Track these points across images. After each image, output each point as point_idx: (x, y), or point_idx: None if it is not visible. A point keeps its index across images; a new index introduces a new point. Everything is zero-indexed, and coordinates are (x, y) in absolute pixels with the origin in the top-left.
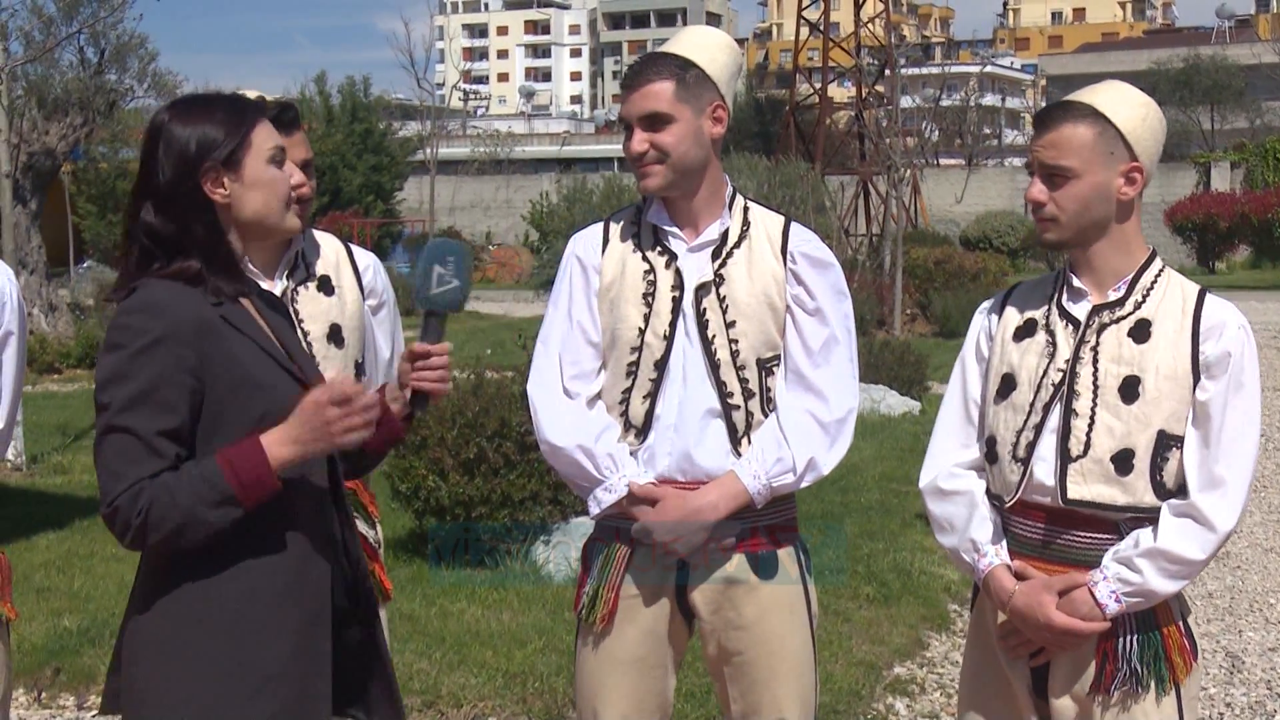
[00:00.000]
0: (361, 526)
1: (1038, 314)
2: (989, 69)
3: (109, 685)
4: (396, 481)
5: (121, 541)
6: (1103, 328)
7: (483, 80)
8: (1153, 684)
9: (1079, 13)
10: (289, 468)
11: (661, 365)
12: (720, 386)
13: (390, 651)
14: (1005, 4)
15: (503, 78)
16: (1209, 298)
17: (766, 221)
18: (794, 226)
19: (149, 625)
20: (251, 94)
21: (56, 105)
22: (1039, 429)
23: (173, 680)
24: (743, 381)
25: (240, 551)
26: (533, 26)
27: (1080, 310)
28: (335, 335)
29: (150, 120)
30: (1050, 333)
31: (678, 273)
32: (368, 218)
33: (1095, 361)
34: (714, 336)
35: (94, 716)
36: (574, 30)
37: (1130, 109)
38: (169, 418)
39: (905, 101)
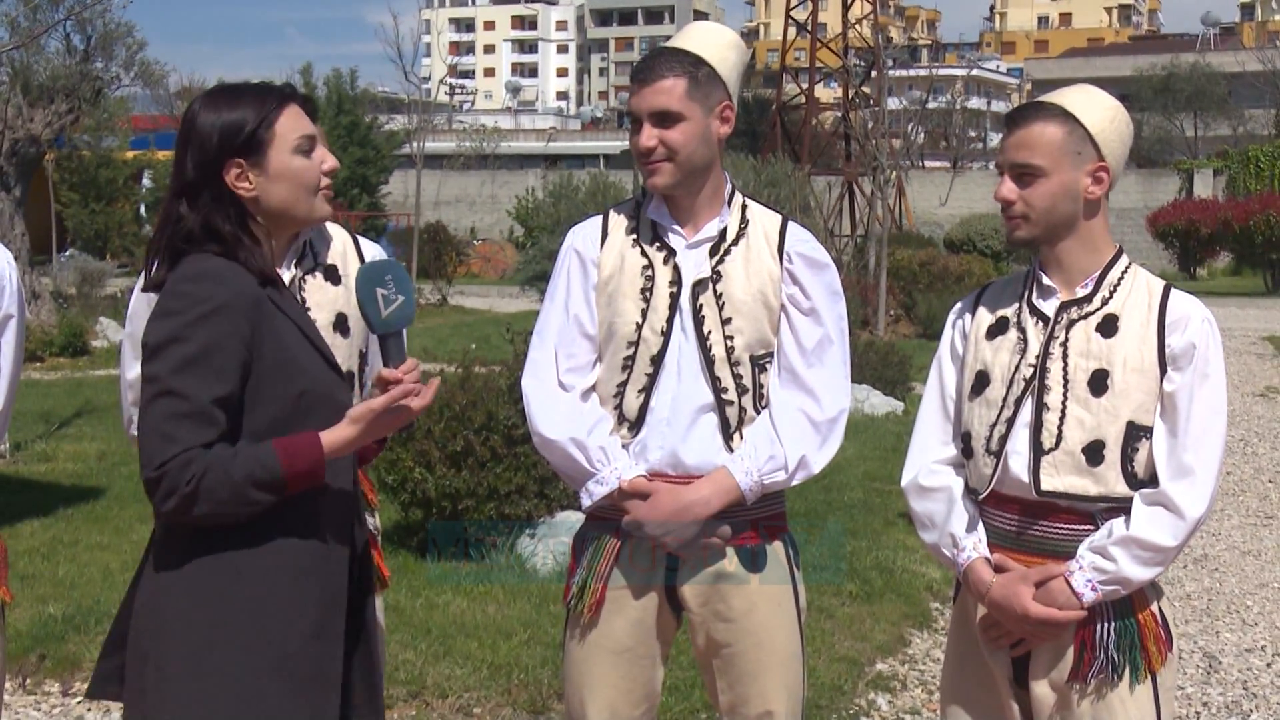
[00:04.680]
0: None
1: (1009, 312)
2: (975, 72)
3: (101, 668)
4: (383, 473)
5: (161, 506)
6: (1071, 323)
7: (469, 75)
8: (1128, 671)
9: (1065, 18)
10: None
11: (657, 360)
12: (715, 382)
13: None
14: (992, 8)
15: (489, 73)
16: (1174, 292)
17: (764, 220)
18: (791, 226)
19: (169, 599)
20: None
21: (42, 92)
22: (1011, 423)
23: (196, 654)
24: (737, 378)
25: (269, 530)
26: (520, 22)
27: (1049, 307)
28: (341, 324)
29: (184, 111)
30: (1021, 329)
31: (675, 269)
32: (352, 211)
33: (1065, 356)
34: (710, 333)
35: (79, 702)
36: (561, 26)
37: (1099, 110)
38: (222, 384)
39: (891, 103)
